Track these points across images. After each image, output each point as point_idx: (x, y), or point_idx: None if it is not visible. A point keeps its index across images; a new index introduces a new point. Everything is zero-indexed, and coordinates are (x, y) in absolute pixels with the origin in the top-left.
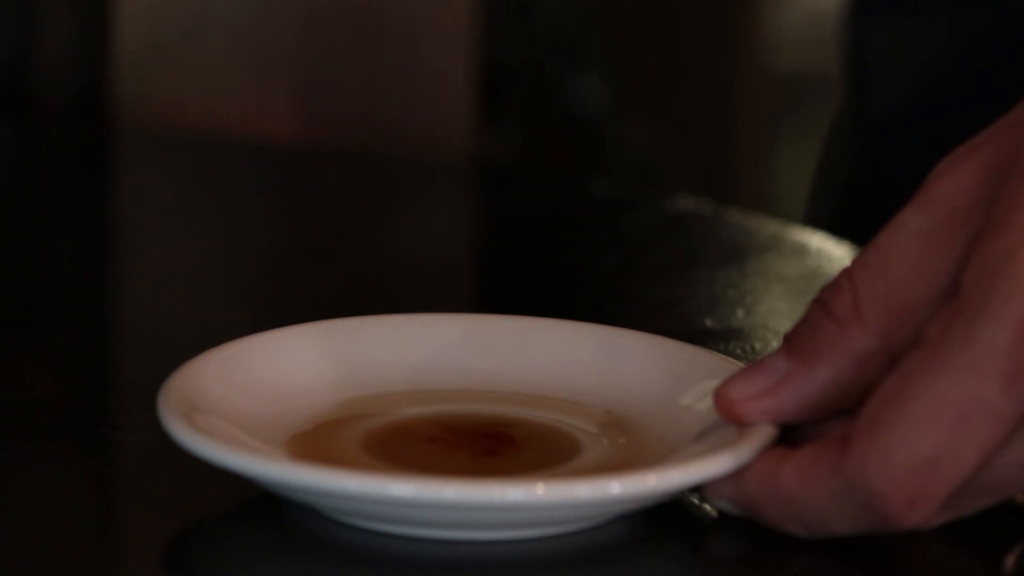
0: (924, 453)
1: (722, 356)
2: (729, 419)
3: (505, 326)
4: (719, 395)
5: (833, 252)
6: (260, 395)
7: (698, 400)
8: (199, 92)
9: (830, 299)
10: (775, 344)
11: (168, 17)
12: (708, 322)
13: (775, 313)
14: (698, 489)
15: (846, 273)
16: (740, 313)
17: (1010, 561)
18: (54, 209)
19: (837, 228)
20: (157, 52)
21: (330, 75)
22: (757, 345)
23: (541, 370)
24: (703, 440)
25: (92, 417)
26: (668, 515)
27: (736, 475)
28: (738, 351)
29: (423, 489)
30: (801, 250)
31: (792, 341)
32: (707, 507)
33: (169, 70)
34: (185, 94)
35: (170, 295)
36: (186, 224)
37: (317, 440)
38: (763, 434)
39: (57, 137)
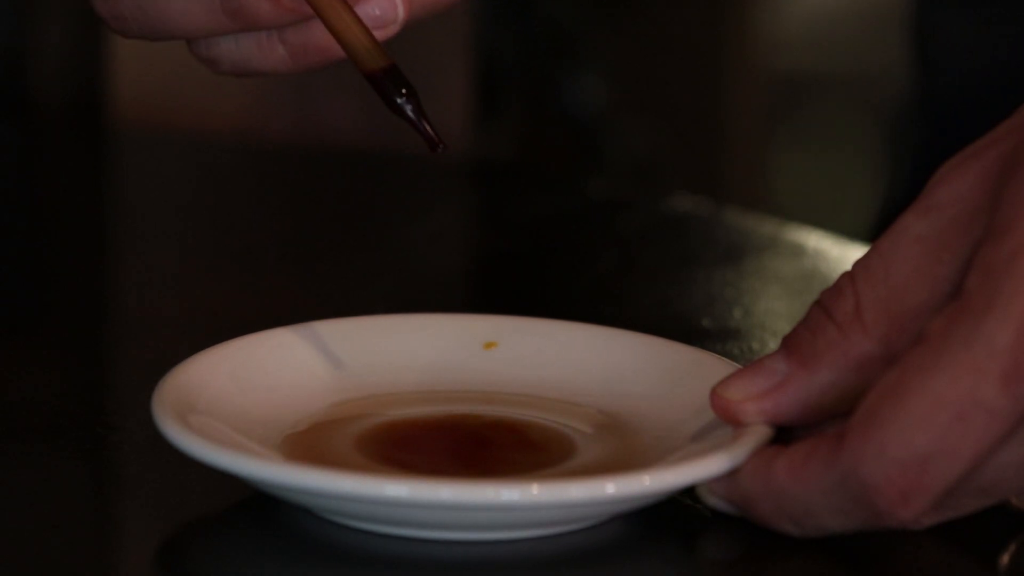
0: (919, 448)
1: (719, 357)
2: (726, 419)
3: (501, 326)
4: (716, 395)
5: (830, 252)
6: (255, 395)
7: (694, 401)
8: (197, 92)
9: (831, 302)
10: (772, 344)
11: None
12: (705, 322)
13: (772, 313)
14: (691, 489)
15: (847, 277)
16: (737, 313)
17: (1004, 561)
18: (50, 208)
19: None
20: (155, 52)
21: (329, 75)
22: (754, 345)
23: (537, 370)
24: (699, 441)
25: (88, 417)
26: (663, 515)
27: (730, 472)
28: (735, 351)
29: (418, 490)
30: (798, 250)
31: (792, 343)
32: (701, 508)
33: (167, 70)
34: (183, 94)
35: (167, 295)
36: (183, 224)
37: (311, 440)
38: (759, 434)
39: (54, 137)
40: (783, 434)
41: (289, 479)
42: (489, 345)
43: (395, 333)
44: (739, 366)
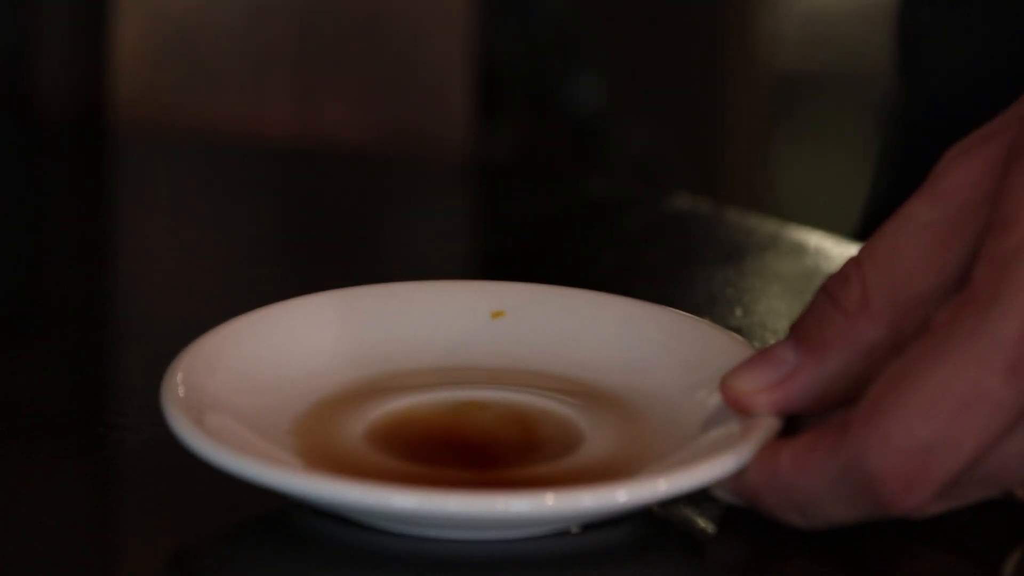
0: (923, 438)
1: (733, 335)
2: (737, 410)
3: (516, 295)
4: (726, 386)
5: (831, 251)
6: (261, 379)
7: (705, 385)
8: (198, 92)
9: (838, 290)
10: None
11: (167, 17)
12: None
13: (773, 312)
14: None
15: (854, 263)
16: (738, 312)
17: (1009, 565)
18: (52, 209)
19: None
20: (156, 52)
21: (329, 75)
22: (755, 344)
23: (548, 344)
24: (708, 429)
25: (89, 416)
26: (668, 514)
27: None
28: None
29: (426, 501)
30: (799, 249)
31: (800, 332)
32: (705, 509)
33: (168, 70)
34: (184, 94)
35: (168, 295)
36: (184, 224)
37: (321, 431)
38: (768, 428)
39: (55, 137)
40: (792, 421)
41: (297, 487)
42: (496, 314)
43: (401, 300)
44: (754, 349)
